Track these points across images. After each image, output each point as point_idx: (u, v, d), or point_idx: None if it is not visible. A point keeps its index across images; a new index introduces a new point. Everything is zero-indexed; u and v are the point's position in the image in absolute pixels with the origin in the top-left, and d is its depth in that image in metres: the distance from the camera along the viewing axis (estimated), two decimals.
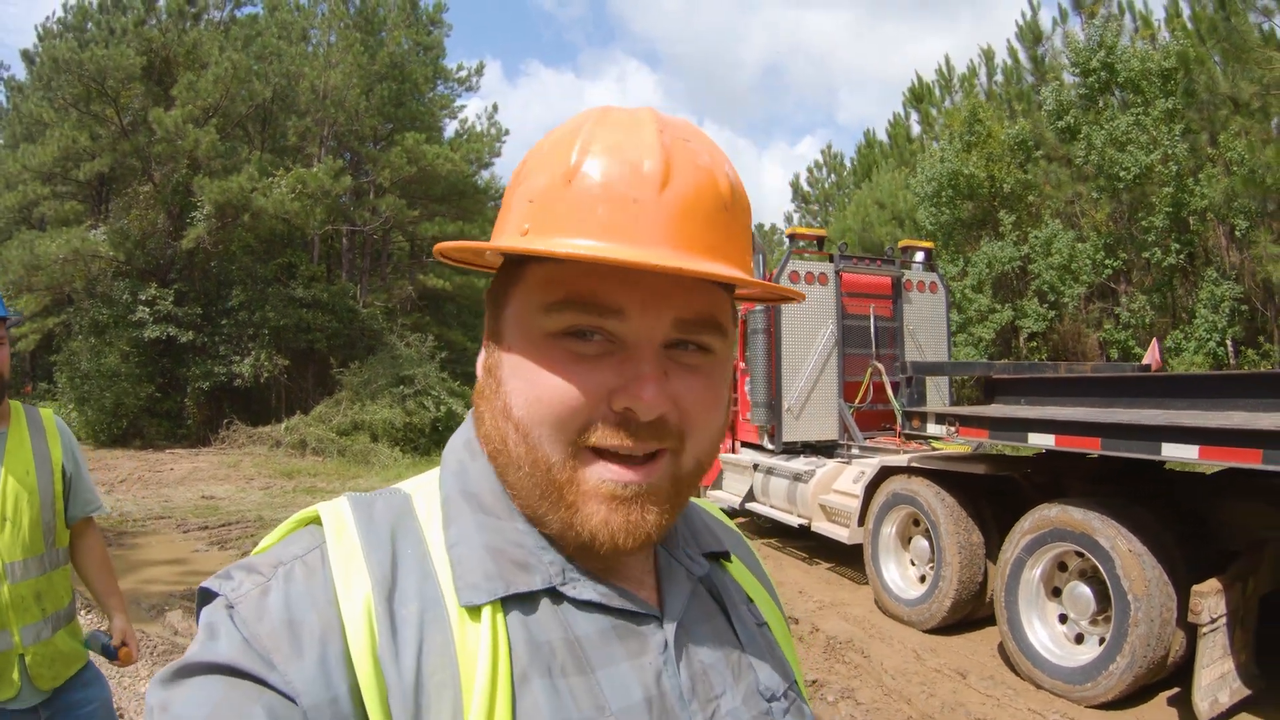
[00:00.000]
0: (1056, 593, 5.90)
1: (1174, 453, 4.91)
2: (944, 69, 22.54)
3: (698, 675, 0.82)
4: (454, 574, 0.74)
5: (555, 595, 0.77)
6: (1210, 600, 4.73)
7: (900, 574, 7.57)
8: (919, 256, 10.82)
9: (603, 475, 0.76)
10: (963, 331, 18.18)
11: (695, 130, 0.83)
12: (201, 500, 14.02)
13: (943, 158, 18.74)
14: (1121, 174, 15.82)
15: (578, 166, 0.74)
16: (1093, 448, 5.55)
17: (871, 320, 9.89)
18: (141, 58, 22.62)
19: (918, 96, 23.01)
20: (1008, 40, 20.76)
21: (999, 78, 21.45)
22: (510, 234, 0.78)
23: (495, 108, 34.45)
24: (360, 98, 26.26)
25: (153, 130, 22.49)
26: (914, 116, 23.68)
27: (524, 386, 0.77)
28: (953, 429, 7.04)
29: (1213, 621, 4.75)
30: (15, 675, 2.54)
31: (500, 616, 0.73)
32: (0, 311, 2.57)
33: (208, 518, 12.22)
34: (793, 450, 9.72)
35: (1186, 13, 15.85)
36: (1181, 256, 16.04)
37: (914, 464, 7.42)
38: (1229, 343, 15.45)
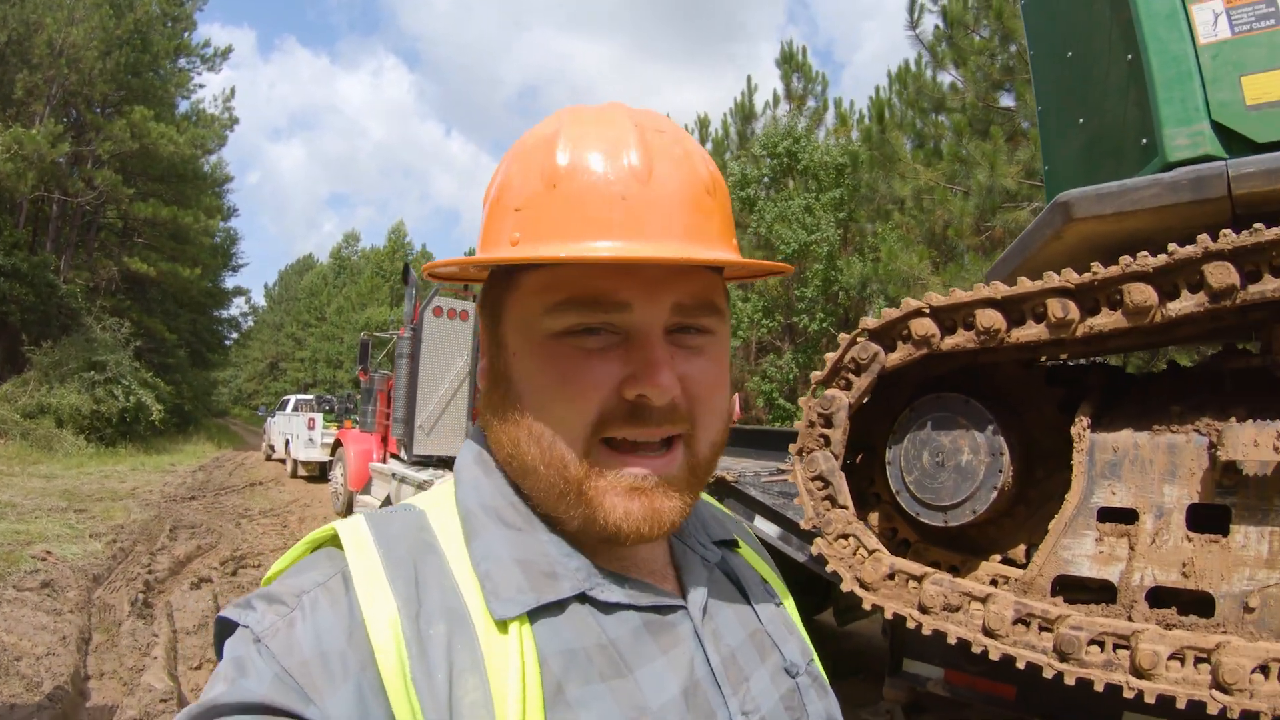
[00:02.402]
0: None
1: None
2: None
3: (727, 659, 0.83)
4: (483, 589, 0.73)
5: (584, 601, 0.77)
6: None
7: None
8: None
9: (620, 469, 0.77)
10: None
11: (667, 120, 0.84)
12: None
13: None
14: (782, 246, 17.92)
15: (560, 170, 0.76)
16: None
17: None
18: None
19: None
20: (724, 113, 22.48)
21: (709, 145, 23.21)
22: (499, 245, 0.79)
23: (233, 92, 32.72)
24: (97, 60, 24.49)
25: None
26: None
27: (535, 389, 0.79)
28: None
29: None
30: None
31: (527, 629, 0.72)
32: None
33: None
34: (427, 463, 10.97)
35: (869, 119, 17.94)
36: (827, 324, 18.12)
37: None
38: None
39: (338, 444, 14.52)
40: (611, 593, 0.79)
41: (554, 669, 0.71)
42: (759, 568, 1.03)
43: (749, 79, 27.43)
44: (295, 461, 20.77)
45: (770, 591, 0.99)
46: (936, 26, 14.55)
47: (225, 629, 0.73)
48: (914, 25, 14.64)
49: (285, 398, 25.27)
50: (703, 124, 22.84)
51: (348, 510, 13.43)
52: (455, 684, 0.68)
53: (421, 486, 10.22)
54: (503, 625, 0.72)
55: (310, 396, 24.46)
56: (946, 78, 15.00)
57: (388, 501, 11.42)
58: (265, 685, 0.65)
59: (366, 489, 12.62)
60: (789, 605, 1.02)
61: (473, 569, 0.76)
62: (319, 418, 20.31)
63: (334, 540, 0.78)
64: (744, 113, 21.29)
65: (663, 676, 0.77)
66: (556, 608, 0.75)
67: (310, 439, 20.13)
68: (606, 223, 0.75)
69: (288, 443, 21.56)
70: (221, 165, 35.15)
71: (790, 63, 20.56)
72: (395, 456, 11.83)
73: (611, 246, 0.74)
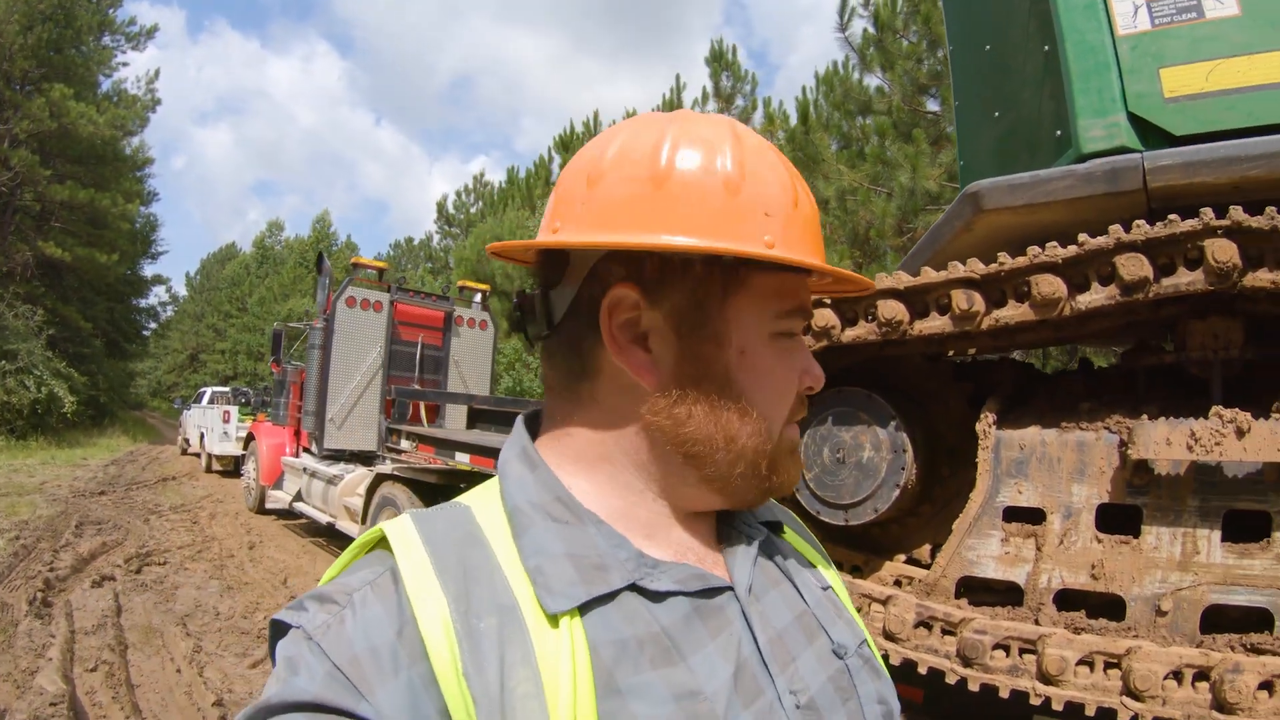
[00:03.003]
0: None
1: None
2: (590, 122, 23.75)
3: (773, 640, 0.84)
4: (533, 583, 0.74)
5: (635, 590, 0.78)
6: None
7: None
8: (476, 297, 12.25)
9: (792, 437, 0.90)
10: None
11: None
12: None
13: None
14: None
15: (796, 191, 0.84)
16: (489, 466, 6.71)
17: (418, 348, 11.19)
18: None
19: (565, 144, 23.86)
20: (653, 109, 22.41)
21: None
22: (739, 239, 0.79)
23: (157, 74, 31.43)
24: (18, 34, 23.68)
25: None
26: (556, 161, 24.58)
27: (765, 385, 0.85)
28: (414, 445, 8.45)
29: None
30: None
31: (578, 621, 0.73)
32: None
33: None
34: (339, 457, 10.71)
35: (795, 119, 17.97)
36: None
37: (395, 472, 8.57)
38: None
39: (251, 437, 14.13)
40: (660, 581, 0.79)
41: (605, 659, 0.72)
42: (805, 552, 1.05)
43: (677, 77, 27.42)
44: (210, 455, 20.24)
45: (817, 575, 1.02)
46: (866, 30, 14.60)
47: (278, 632, 0.74)
48: (843, 28, 14.69)
49: (201, 390, 24.63)
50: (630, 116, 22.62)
51: (260, 506, 13.11)
52: (506, 676, 0.68)
53: (332, 481, 9.98)
54: (554, 619, 0.72)
55: (226, 389, 23.86)
56: (873, 81, 15.07)
57: (298, 497, 11.15)
58: (317, 683, 0.66)
59: (278, 484, 12.34)
60: (839, 589, 1.05)
61: (522, 564, 0.76)
62: (234, 411, 19.79)
63: (383, 542, 0.78)
64: (671, 110, 21.13)
65: (714, 660, 0.77)
66: (607, 599, 0.76)
67: (225, 432, 19.63)
68: (814, 241, 0.86)
69: (202, 436, 21.04)
70: (143, 148, 34.10)
71: (720, 61, 20.50)
72: (307, 450, 11.50)
73: (836, 266, 0.86)
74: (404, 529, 0.77)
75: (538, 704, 0.67)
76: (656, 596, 0.79)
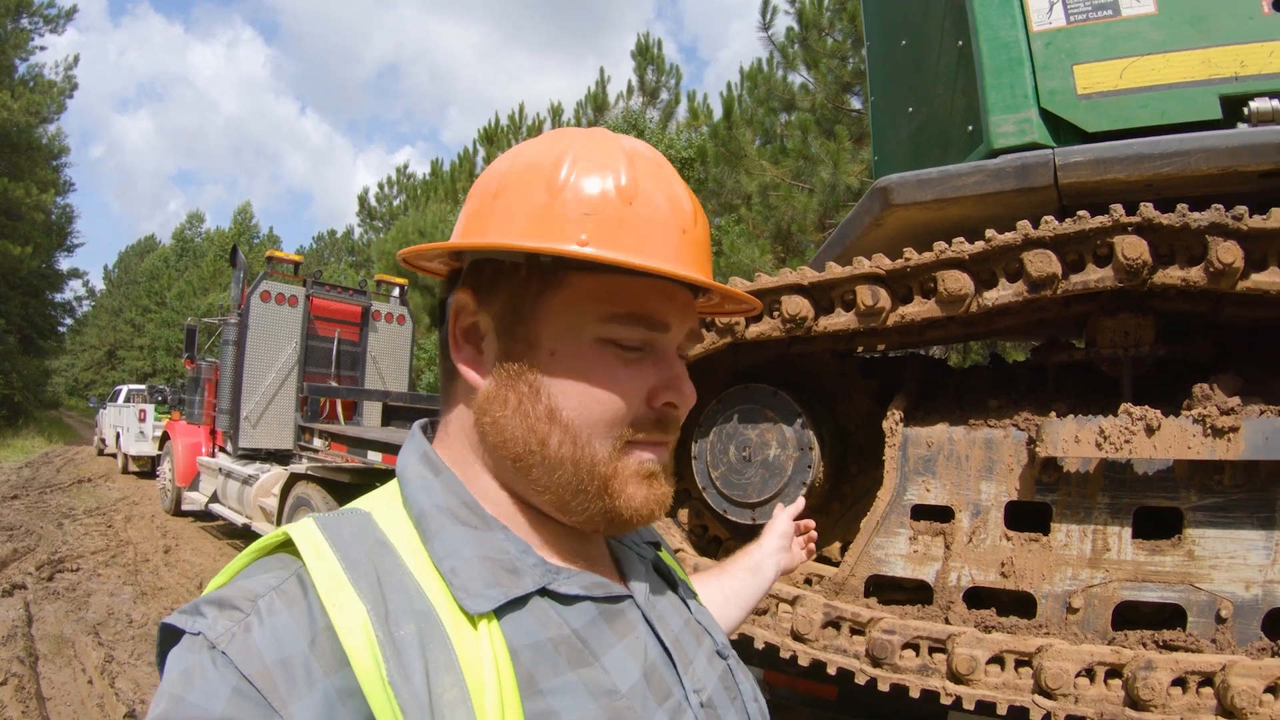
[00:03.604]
0: None
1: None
2: (515, 115, 23.47)
3: (674, 642, 0.89)
4: (449, 587, 0.74)
5: (545, 595, 0.79)
6: None
7: None
8: (395, 291, 12.06)
9: (641, 458, 0.85)
10: None
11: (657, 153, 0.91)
12: None
13: None
14: None
15: (634, 189, 0.81)
16: (392, 464, 6.75)
17: (335, 343, 10.95)
18: None
19: (489, 136, 23.72)
20: (577, 102, 22.35)
21: None
22: (550, 239, 0.79)
23: (76, 59, 30.49)
24: None
25: None
26: (481, 154, 24.50)
27: (575, 390, 0.82)
28: (327, 443, 8.24)
29: None
30: None
31: (495, 625, 0.73)
32: None
33: None
34: (255, 456, 10.47)
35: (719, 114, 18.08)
36: None
37: (309, 471, 8.41)
38: None
39: (166, 437, 13.76)
40: (569, 586, 0.81)
41: (524, 661, 0.72)
42: (675, 567, 1.10)
43: (601, 70, 27.43)
44: (126, 456, 19.72)
45: (688, 588, 1.08)
46: (790, 28, 14.72)
47: (167, 638, 0.69)
48: (766, 27, 14.81)
49: (117, 388, 23.93)
50: (555, 112, 22.64)
51: (176, 508, 12.78)
52: (433, 683, 0.67)
53: (247, 481, 9.78)
54: (472, 622, 0.72)
55: (143, 387, 23.19)
56: (797, 78, 15.18)
57: (214, 498, 10.87)
58: (222, 701, 0.62)
59: (194, 484, 12.08)
60: (699, 600, 1.08)
61: (435, 568, 0.76)
62: (150, 409, 19.28)
63: (285, 546, 0.76)
64: (597, 103, 21.20)
65: (624, 661, 0.80)
66: (519, 603, 0.76)
67: (141, 432, 19.15)
68: (670, 249, 0.82)
69: (119, 436, 20.45)
70: (60, 135, 32.90)
71: (645, 55, 20.58)
72: (223, 450, 11.28)
73: (688, 273, 0.81)
74: (310, 534, 0.75)
75: (465, 709, 0.67)
76: (566, 600, 0.81)
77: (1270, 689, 2.10)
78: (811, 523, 1.79)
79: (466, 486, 0.85)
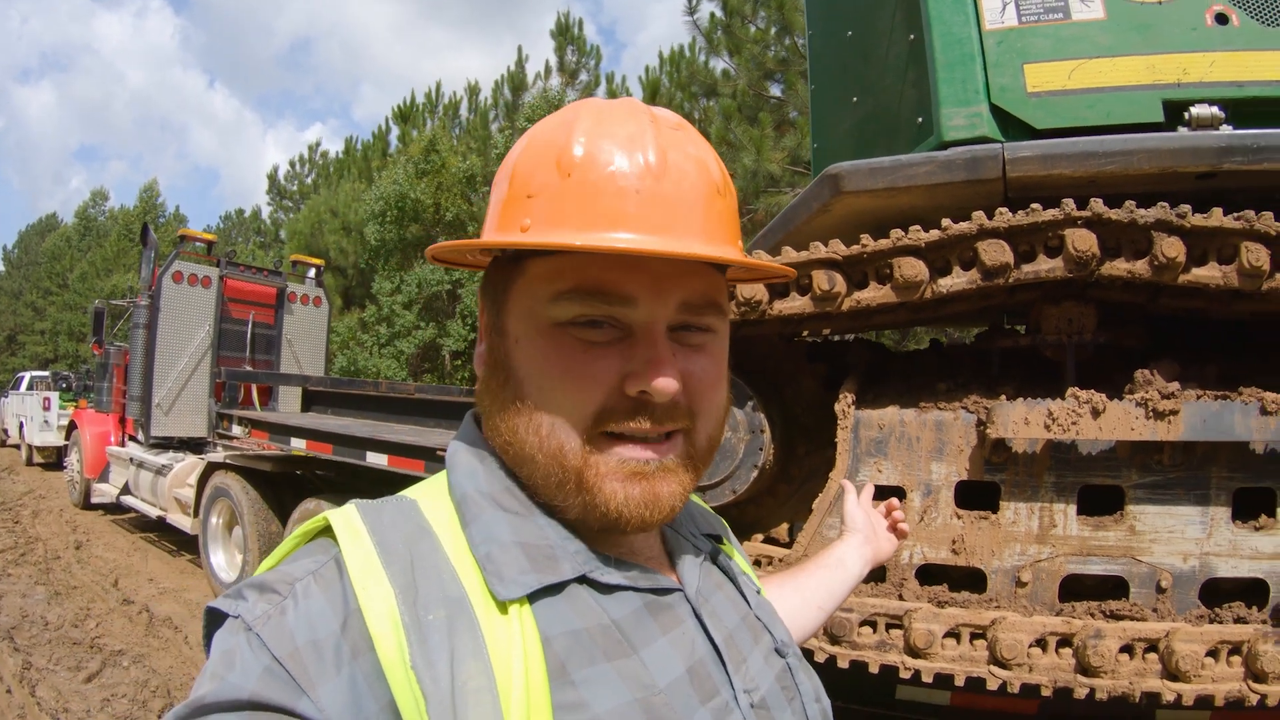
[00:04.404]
0: None
1: (374, 460, 5.88)
2: (432, 93, 23.20)
3: (727, 640, 0.85)
4: (483, 572, 0.73)
5: (585, 583, 0.78)
6: None
7: (226, 560, 8.27)
8: (310, 272, 11.81)
9: (622, 456, 0.78)
10: (390, 345, 19.48)
11: (681, 120, 0.84)
12: None
13: (394, 180, 19.49)
14: None
15: (575, 159, 0.76)
16: (327, 452, 6.52)
17: (249, 326, 10.68)
18: None
19: (404, 115, 23.36)
20: (495, 81, 22.07)
21: (471, 115, 22.57)
22: (510, 230, 0.79)
23: None
24: None
25: None
26: (395, 133, 24.17)
27: (536, 378, 0.79)
28: (247, 431, 8.04)
29: None
30: None
31: (528, 611, 0.72)
32: None
33: None
34: (168, 445, 10.19)
35: (640, 97, 18.10)
36: None
37: (227, 460, 8.16)
38: None
39: (73, 426, 13.27)
40: (611, 575, 0.79)
41: (557, 650, 0.71)
42: (739, 560, 1.06)
43: (520, 49, 27.24)
44: (30, 447, 18.99)
45: (751, 579, 1.03)
46: (713, 14, 14.81)
47: (213, 620, 0.71)
48: (692, 11, 14.88)
49: (19, 375, 22.96)
50: (472, 91, 22.38)
51: (85, 501, 12.34)
52: (457, 670, 0.66)
53: (161, 471, 9.52)
54: (503, 608, 0.71)
55: (46, 374, 22.28)
56: (719, 64, 15.30)
57: (125, 490, 10.53)
58: (254, 679, 0.63)
59: (104, 476, 11.70)
60: (765, 595, 1.05)
61: (471, 553, 0.75)
62: (55, 397, 18.57)
63: (327, 530, 0.76)
64: (515, 83, 20.99)
65: (667, 656, 0.77)
66: (557, 590, 0.75)
67: (46, 421, 18.45)
68: (620, 215, 0.74)
69: (21, 426, 19.68)
70: None
71: (565, 35, 20.42)
72: (134, 439, 10.97)
73: (624, 239, 0.73)
74: (349, 518, 0.75)
75: (490, 697, 0.66)
76: (606, 589, 0.78)
77: (1211, 653, 2.24)
78: (895, 501, 1.71)
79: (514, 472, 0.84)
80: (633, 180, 0.75)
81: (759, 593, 1.02)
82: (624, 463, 0.78)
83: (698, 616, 0.85)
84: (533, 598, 0.73)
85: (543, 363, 0.78)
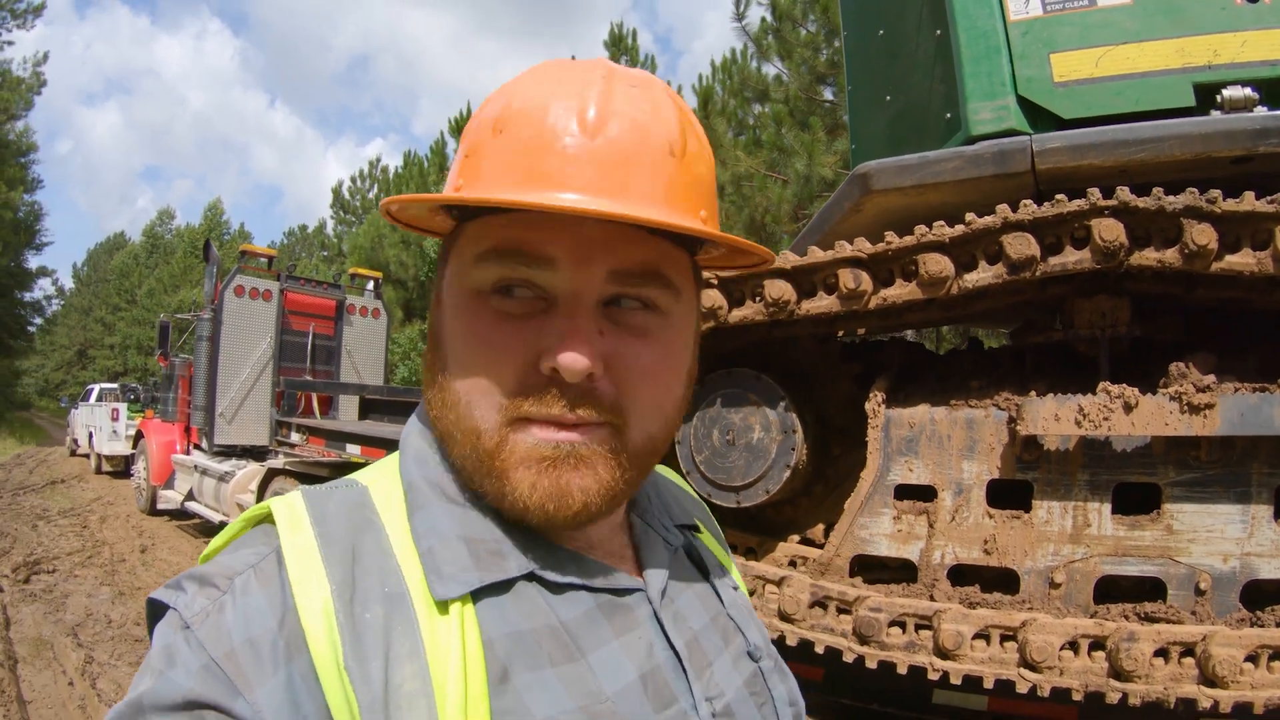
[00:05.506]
0: None
1: None
2: None
3: (690, 643, 0.79)
4: (423, 566, 0.68)
5: (534, 581, 0.72)
6: None
7: None
8: (369, 285, 12.01)
9: (535, 437, 0.69)
10: None
11: (648, 77, 0.78)
12: None
13: None
14: None
15: (508, 116, 0.71)
16: (380, 457, 6.72)
17: (310, 338, 10.89)
18: None
19: (458, 127, 23.64)
20: None
21: None
22: (449, 191, 0.74)
23: (45, 56, 29.84)
24: None
25: None
26: (451, 146, 24.40)
27: (456, 349, 0.73)
28: (305, 438, 8.21)
29: None
30: None
31: (470, 610, 0.67)
32: None
33: None
34: (231, 453, 10.33)
35: (694, 104, 18.12)
36: None
37: (286, 466, 8.36)
38: None
39: (140, 435, 13.61)
40: (562, 573, 0.73)
41: (499, 653, 0.66)
42: (717, 552, 0.98)
43: (573, 58, 27.39)
44: (99, 456, 19.45)
45: (729, 576, 0.95)
46: (764, 19, 14.73)
47: (156, 611, 0.67)
48: (740, 17, 14.80)
49: (89, 387, 23.64)
50: None
51: (151, 507, 12.66)
52: (391, 672, 0.62)
53: (223, 479, 9.65)
54: (444, 606, 0.66)
55: (115, 386, 22.91)
56: (771, 69, 15.21)
57: (190, 496, 10.77)
58: (192, 678, 0.60)
59: (169, 483, 11.88)
60: (744, 591, 0.98)
61: (414, 545, 0.70)
62: (123, 408, 19.04)
63: (271, 516, 0.70)
64: None
65: (618, 661, 0.72)
66: (502, 587, 0.70)
67: (114, 431, 18.88)
68: (543, 173, 0.67)
69: (91, 436, 20.18)
70: (28, 132, 32.17)
71: (619, 45, 20.41)
72: (198, 447, 11.11)
73: (535, 197, 0.66)
74: (292, 507, 0.70)
75: (425, 701, 0.62)
76: (556, 588, 0.73)
77: (1250, 658, 2.17)
78: None
79: None
80: (562, 137, 0.68)
81: (736, 589, 0.94)
82: (534, 446, 0.69)
83: (658, 619, 0.78)
84: (476, 596, 0.68)
85: (463, 334, 0.72)
